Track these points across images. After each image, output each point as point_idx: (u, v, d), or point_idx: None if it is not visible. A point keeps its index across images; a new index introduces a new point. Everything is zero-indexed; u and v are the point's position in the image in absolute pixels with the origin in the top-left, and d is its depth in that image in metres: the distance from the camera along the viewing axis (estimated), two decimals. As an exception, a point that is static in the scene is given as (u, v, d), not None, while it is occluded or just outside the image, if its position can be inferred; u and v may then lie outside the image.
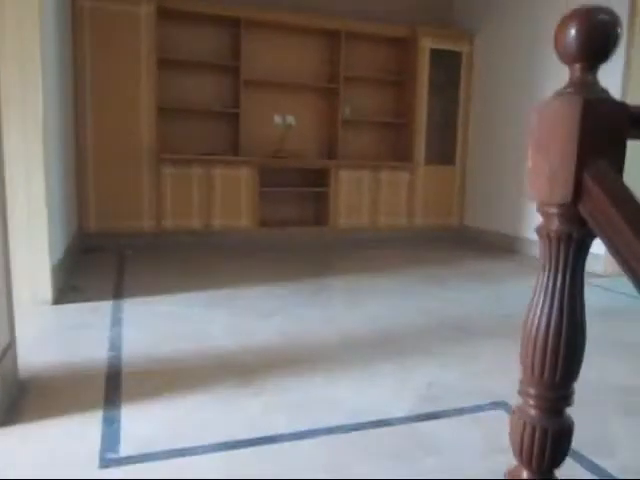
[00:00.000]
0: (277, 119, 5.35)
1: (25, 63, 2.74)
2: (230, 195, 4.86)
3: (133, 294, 3.19)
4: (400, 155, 5.66)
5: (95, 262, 4.10)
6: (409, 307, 3.14)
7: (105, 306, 2.94)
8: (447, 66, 5.62)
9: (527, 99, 4.93)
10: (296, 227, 5.20)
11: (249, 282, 3.57)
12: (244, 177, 4.87)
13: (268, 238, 5.07)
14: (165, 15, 4.71)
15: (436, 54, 5.43)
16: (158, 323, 2.70)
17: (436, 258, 4.69)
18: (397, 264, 4.39)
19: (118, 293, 3.23)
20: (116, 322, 2.69)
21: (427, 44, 5.36)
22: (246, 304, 3.10)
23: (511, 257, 4.79)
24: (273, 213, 5.31)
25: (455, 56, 5.56)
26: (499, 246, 5.23)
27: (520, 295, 3.48)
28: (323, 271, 4.10)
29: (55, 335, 2.55)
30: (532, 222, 4.86)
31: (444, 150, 5.72)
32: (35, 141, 2.80)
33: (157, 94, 4.60)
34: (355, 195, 5.27)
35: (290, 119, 5.38)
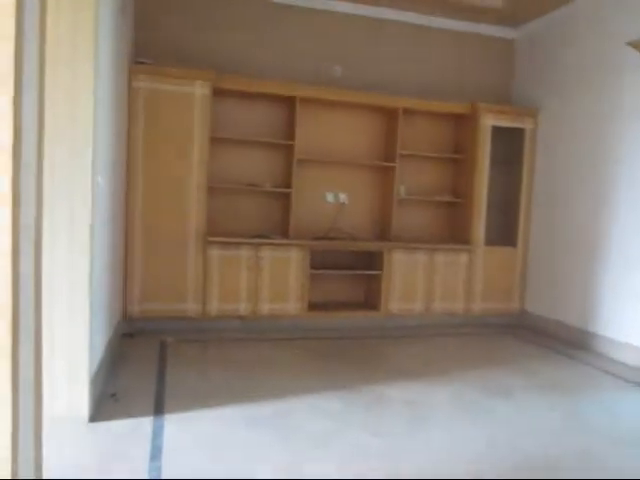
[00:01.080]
0: (329, 197, 5.17)
1: (76, 143, 2.61)
2: (279, 278, 4.64)
3: (174, 406, 2.95)
4: (458, 235, 5.35)
5: (136, 352, 3.90)
6: (477, 438, 2.77)
7: (145, 426, 2.70)
8: (509, 143, 5.35)
9: (593, 177, 4.59)
10: (346, 311, 4.92)
11: (296, 389, 3.28)
12: (294, 259, 4.66)
13: (317, 323, 4.80)
14: (219, 94, 4.65)
15: (497, 131, 5.17)
16: (200, 457, 2.43)
17: (497, 356, 4.28)
18: (455, 364, 4.01)
19: (159, 404, 2.99)
20: (155, 454, 2.44)
21: (488, 121, 5.11)
22: (295, 425, 2.80)
23: (580, 356, 4.34)
24: (323, 296, 5.05)
25: (517, 133, 5.28)
26: (564, 339, 4.78)
27: (607, 418, 3.07)
28: (376, 372, 3.75)
29: (89, 470, 2.31)
30: (603, 315, 4.44)
31: (505, 230, 5.38)
32: (80, 223, 2.64)
33: (208, 173, 4.49)
34: (409, 278, 4.97)
35: (343, 197, 5.19)
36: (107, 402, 2.97)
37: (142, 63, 4.30)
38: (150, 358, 3.81)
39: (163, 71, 4.31)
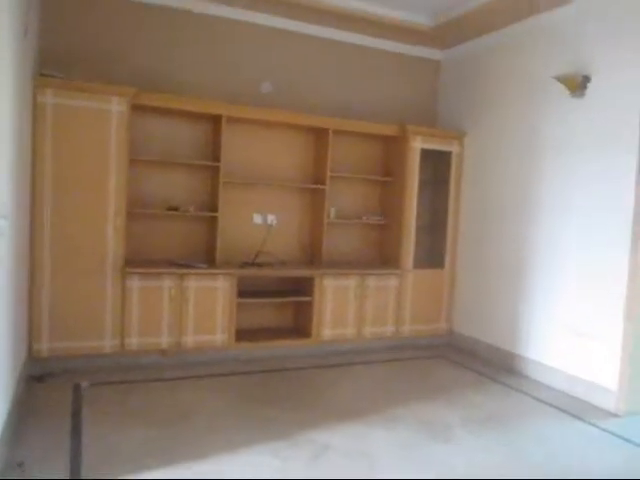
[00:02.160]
0: (257, 218, 4.94)
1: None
2: (204, 308, 4.35)
3: (92, 473, 2.63)
4: (388, 258, 5.31)
5: (46, 402, 3.47)
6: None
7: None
8: (436, 166, 5.38)
9: (517, 203, 4.70)
10: (276, 340, 4.71)
11: (226, 444, 3.01)
12: (220, 288, 4.38)
13: (246, 354, 4.56)
14: (138, 111, 4.29)
15: (425, 153, 5.17)
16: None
17: (431, 386, 4.24)
18: (391, 397, 3.91)
19: (74, 472, 2.65)
20: None
21: (417, 144, 5.09)
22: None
23: (510, 382, 4.40)
24: (251, 325, 4.82)
25: (445, 156, 5.32)
26: (493, 361, 4.86)
27: (545, 455, 3.08)
28: (310, 413, 3.55)
29: None
30: (529, 338, 4.56)
31: (433, 252, 5.41)
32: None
33: (127, 197, 4.12)
34: (340, 304, 4.84)
35: (271, 218, 4.98)
36: (13, 473, 2.59)
37: (49, 76, 3.85)
38: (63, 409, 3.40)
39: (74, 85, 3.89)
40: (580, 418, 3.72)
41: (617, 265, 3.83)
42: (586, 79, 3.99)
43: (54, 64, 4.09)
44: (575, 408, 3.89)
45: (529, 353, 4.57)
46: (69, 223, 3.92)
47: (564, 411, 3.83)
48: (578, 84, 3.99)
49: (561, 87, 4.15)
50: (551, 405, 3.93)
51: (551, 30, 4.38)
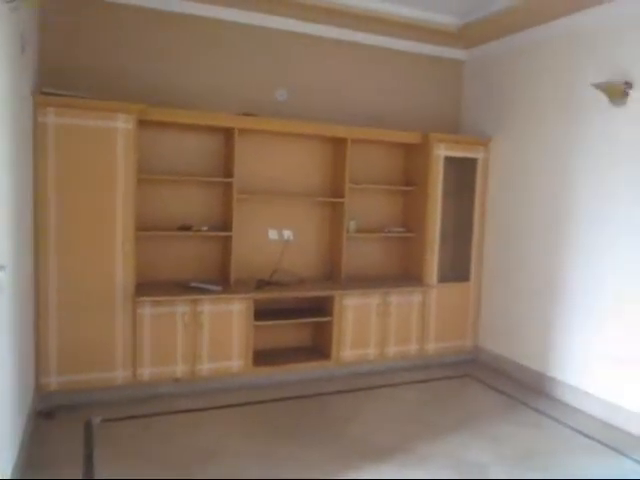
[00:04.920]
0: (272, 234, 4.69)
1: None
2: (219, 333, 4.13)
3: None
4: (411, 272, 5.05)
5: (55, 443, 3.29)
6: None
7: None
8: (460, 173, 5.09)
9: (549, 212, 4.41)
10: (295, 363, 4.49)
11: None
12: (236, 312, 4.16)
13: (263, 379, 4.34)
14: (145, 128, 4.04)
15: (449, 161, 4.88)
16: None
17: (460, 414, 3.99)
18: (419, 430, 3.66)
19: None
20: None
21: (440, 151, 4.80)
22: None
23: (543, 406, 4.15)
24: (268, 348, 4.60)
25: (469, 163, 5.02)
26: (522, 382, 4.61)
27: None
28: (334, 451, 3.34)
29: None
30: (563, 360, 4.29)
31: (458, 264, 5.14)
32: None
33: (136, 220, 3.89)
34: (361, 323, 4.60)
35: (287, 234, 4.74)
36: None
37: (51, 94, 3.60)
38: (74, 450, 3.19)
39: (77, 103, 3.63)
40: (624, 454, 3.47)
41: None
42: (628, 86, 3.67)
43: (55, 82, 3.83)
44: (616, 440, 3.63)
45: (563, 376, 4.30)
46: (75, 252, 3.70)
47: (605, 445, 3.58)
48: (619, 91, 3.67)
49: (598, 94, 3.83)
50: (591, 438, 3.67)
51: (587, 32, 4.04)
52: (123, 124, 3.76)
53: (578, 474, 3.19)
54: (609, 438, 3.68)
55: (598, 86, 3.72)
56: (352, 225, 4.78)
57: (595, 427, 3.84)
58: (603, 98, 3.82)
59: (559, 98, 4.32)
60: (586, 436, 3.70)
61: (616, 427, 3.83)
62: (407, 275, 5.12)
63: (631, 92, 3.68)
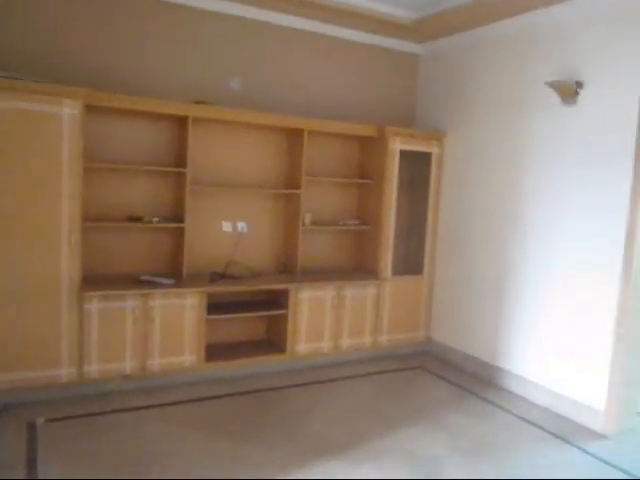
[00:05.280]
0: (226, 226, 4.59)
1: None
2: (171, 328, 4.01)
3: None
4: (366, 265, 5.06)
5: (-5, 446, 3.13)
6: None
7: None
8: (415, 167, 5.12)
9: (499, 208, 4.52)
10: (249, 357, 4.42)
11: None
12: (188, 306, 4.05)
13: (217, 374, 4.26)
14: (93, 114, 3.85)
15: (404, 155, 4.90)
16: None
17: (413, 405, 4.04)
18: (373, 422, 3.69)
19: None
20: None
21: (396, 145, 4.81)
22: None
23: (493, 396, 4.27)
24: (222, 342, 4.51)
25: (424, 157, 5.06)
26: (472, 372, 4.72)
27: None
28: (289, 448, 3.31)
29: None
30: (511, 352, 4.42)
31: (412, 258, 5.19)
32: None
33: (83, 211, 3.71)
34: (316, 316, 4.58)
35: (242, 226, 4.64)
36: None
37: (-11, 75, 3.37)
38: (17, 453, 3.05)
39: (19, 86, 3.40)
40: (569, 442, 3.60)
41: (607, 284, 3.69)
42: (578, 85, 3.78)
43: (-5, 61, 3.61)
44: (562, 429, 3.77)
45: (511, 366, 4.43)
46: (16, 242, 3.48)
47: (552, 434, 3.71)
48: (571, 91, 3.77)
49: (551, 92, 3.93)
50: (538, 426, 3.79)
51: (543, 30, 4.12)
52: (69, 109, 3.56)
53: (526, 465, 3.30)
54: (555, 426, 3.81)
55: (550, 85, 3.81)
56: (307, 218, 4.73)
57: (541, 416, 3.97)
58: (555, 97, 3.92)
59: (512, 96, 4.41)
60: (534, 425, 3.82)
61: (561, 416, 3.97)
62: (361, 268, 5.13)
63: (581, 91, 3.79)
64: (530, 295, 4.27)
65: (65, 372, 3.72)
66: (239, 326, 4.66)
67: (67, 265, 3.65)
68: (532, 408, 4.11)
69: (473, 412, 3.99)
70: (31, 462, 3.00)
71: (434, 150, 5.05)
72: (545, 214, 4.14)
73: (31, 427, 3.37)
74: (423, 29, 4.95)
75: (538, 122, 4.17)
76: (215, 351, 4.31)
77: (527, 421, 3.89)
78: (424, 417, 3.85)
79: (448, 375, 4.71)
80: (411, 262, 5.20)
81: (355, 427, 3.65)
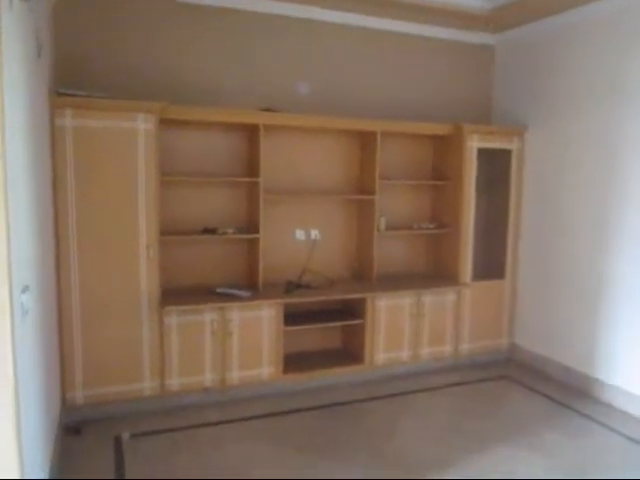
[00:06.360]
0: (299, 234, 4.50)
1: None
2: (249, 340, 3.96)
3: None
4: (445, 270, 4.83)
5: (85, 460, 3.14)
6: None
7: None
8: (494, 166, 4.83)
9: (591, 205, 4.19)
10: (326, 368, 4.31)
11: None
12: (265, 318, 3.98)
13: (295, 386, 4.17)
14: (166, 127, 3.84)
15: (482, 153, 4.64)
16: None
17: (502, 422, 3.77)
18: (464, 442, 3.47)
19: None
20: None
21: (474, 143, 4.56)
22: None
23: (590, 411, 3.94)
24: (299, 354, 4.42)
25: (503, 154, 4.77)
26: (563, 383, 4.40)
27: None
28: (381, 467, 3.16)
29: None
30: (610, 361, 4.07)
31: (493, 261, 4.91)
32: None
33: (159, 224, 3.71)
34: (394, 325, 4.40)
35: (315, 233, 4.54)
36: None
37: (68, 95, 3.40)
38: (104, 467, 3.07)
39: (95, 104, 3.43)
40: (683, 464, 3.27)
41: None
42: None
43: (71, 83, 3.65)
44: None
45: (610, 377, 4.08)
46: (98, 260, 3.52)
47: (664, 455, 3.38)
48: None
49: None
50: (646, 446, 3.48)
51: (637, 10, 3.76)
52: (143, 124, 3.56)
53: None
54: (666, 446, 3.48)
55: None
56: (382, 222, 4.56)
57: (650, 434, 3.64)
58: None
59: (602, 86, 4.06)
60: (640, 444, 3.51)
61: (672, 434, 3.62)
62: (439, 273, 4.91)
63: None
64: (630, 299, 3.91)
65: (147, 385, 3.74)
66: (315, 336, 4.56)
67: (146, 280, 3.66)
68: (638, 425, 3.77)
69: (571, 429, 3.69)
70: (120, 478, 3.01)
71: (514, 146, 4.75)
72: (646, 211, 3.78)
73: (117, 442, 3.40)
74: (500, 18, 4.66)
75: (637, 110, 3.80)
76: (292, 362, 4.22)
77: (633, 440, 3.56)
78: (516, 434, 3.59)
79: (536, 386, 4.41)
80: (492, 265, 4.91)
81: (443, 445, 3.45)
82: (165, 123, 3.77)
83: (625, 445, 3.52)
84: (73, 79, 3.71)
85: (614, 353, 4.06)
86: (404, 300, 4.41)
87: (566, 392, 4.29)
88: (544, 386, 4.41)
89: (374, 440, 3.51)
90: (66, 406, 3.55)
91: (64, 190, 3.41)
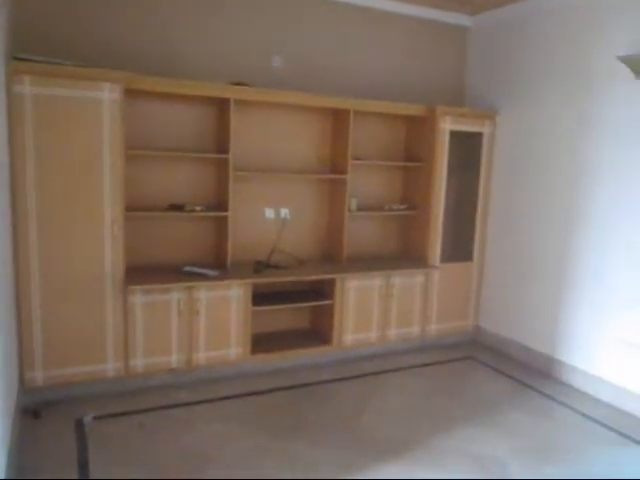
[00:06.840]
0: (269, 213, 4.42)
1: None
2: (216, 320, 3.88)
3: None
4: (415, 251, 4.84)
5: (46, 446, 3.03)
6: None
7: None
8: (464, 148, 4.83)
9: (558, 189, 4.25)
10: (295, 349, 4.28)
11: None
12: (234, 297, 3.91)
13: (262, 367, 4.13)
14: (133, 99, 3.67)
15: (454, 136, 4.63)
16: None
17: (468, 401, 3.86)
18: (428, 421, 3.53)
19: None
20: None
21: (446, 125, 4.54)
22: None
23: (552, 391, 4.06)
24: (267, 334, 4.37)
25: (475, 137, 4.78)
26: (526, 364, 4.50)
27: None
28: (345, 450, 3.17)
29: None
30: (571, 343, 4.18)
31: (461, 243, 4.94)
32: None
33: (125, 200, 3.56)
34: (363, 306, 4.40)
35: (285, 212, 4.46)
36: None
37: (27, 60, 3.20)
38: (66, 452, 2.97)
39: (57, 70, 3.24)
40: (638, 442, 3.39)
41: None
42: (655, 59, 3.45)
43: (31, 47, 3.43)
44: (629, 428, 3.54)
45: (570, 358, 4.20)
46: (59, 235, 3.36)
47: (619, 433, 3.49)
48: (645, 65, 3.45)
49: (622, 67, 3.61)
50: (605, 426, 3.58)
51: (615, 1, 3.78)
52: (109, 94, 3.39)
53: (599, 467, 3.10)
54: (621, 425, 3.59)
55: (623, 59, 3.48)
56: (353, 203, 4.52)
57: (607, 414, 3.74)
58: (627, 72, 3.60)
59: (575, 71, 4.08)
60: (600, 423, 3.60)
61: (627, 413, 3.75)
62: (408, 255, 4.92)
63: (658, 66, 3.47)
64: (592, 282, 4.01)
65: (111, 367, 3.62)
66: (283, 316, 4.52)
67: (110, 257, 3.52)
68: (596, 405, 3.89)
69: (533, 409, 3.79)
70: (83, 464, 2.92)
71: (486, 130, 4.76)
72: (614, 195, 3.84)
73: (79, 425, 3.29)
74: (476, 0, 4.62)
75: (606, 98, 3.85)
76: (260, 343, 4.18)
77: (591, 419, 3.67)
78: (481, 413, 3.67)
79: (500, 366, 4.50)
80: (461, 248, 4.95)
81: (411, 424, 3.48)
82: (132, 95, 3.61)
83: (583, 422, 3.63)
84: (34, 45, 3.49)
85: (574, 335, 4.17)
86: (373, 281, 4.40)
87: (529, 373, 4.39)
88: (508, 367, 4.50)
89: (343, 420, 3.51)
90: (25, 388, 3.41)
91: (22, 162, 3.22)
